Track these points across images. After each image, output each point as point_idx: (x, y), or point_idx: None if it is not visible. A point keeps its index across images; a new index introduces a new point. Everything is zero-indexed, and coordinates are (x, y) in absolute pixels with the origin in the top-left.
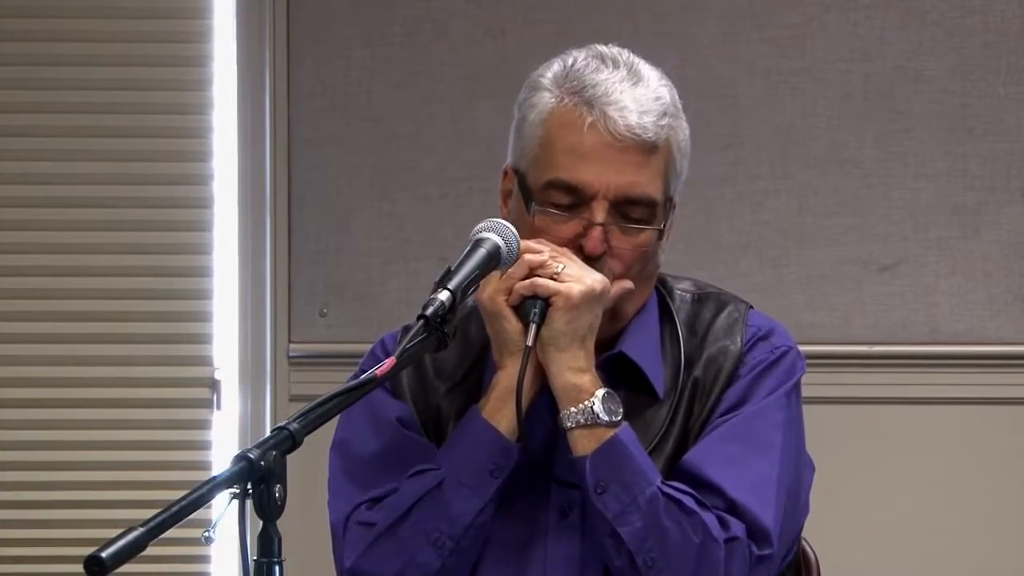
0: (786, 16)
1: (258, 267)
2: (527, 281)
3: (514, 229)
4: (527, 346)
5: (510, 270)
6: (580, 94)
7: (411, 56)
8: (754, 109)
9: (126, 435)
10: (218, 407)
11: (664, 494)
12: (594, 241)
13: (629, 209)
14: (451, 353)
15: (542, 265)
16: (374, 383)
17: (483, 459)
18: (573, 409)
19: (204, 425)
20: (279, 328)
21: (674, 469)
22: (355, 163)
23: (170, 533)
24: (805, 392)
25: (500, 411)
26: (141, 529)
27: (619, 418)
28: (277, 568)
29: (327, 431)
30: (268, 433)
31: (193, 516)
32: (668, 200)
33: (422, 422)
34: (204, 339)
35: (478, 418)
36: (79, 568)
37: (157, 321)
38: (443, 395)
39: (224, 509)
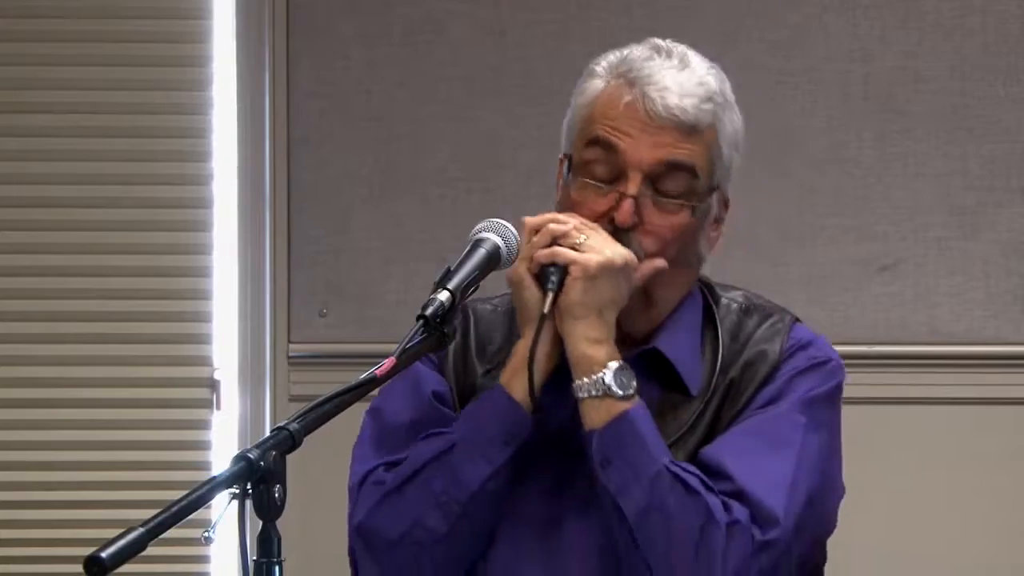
0: (786, 16)
1: (257, 267)
2: (547, 250)
3: (514, 229)
4: (543, 313)
5: (535, 239)
6: (626, 76)
7: (411, 56)
8: (753, 109)
9: (126, 435)
10: (218, 407)
11: (670, 472)
12: (624, 212)
13: (666, 182)
14: (495, 335)
15: (565, 235)
16: (374, 383)
17: (495, 426)
18: (585, 380)
19: (204, 425)
20: (279, 328)
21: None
22: (355, 163)
23: (170, 533)
24: None
25: (515, 379)
26: (141, 529)
27: (631, 392)
28: (277, 568)
29: (327, 431)
30: (268, 433)
31: (193, 516)
32: (712, 185)
33: (461, 400)
34: (204, 339)
35: (496, 386)
36: (79, 568)
37: (156, 321)
38: (480, 376)
39: (224, 509)
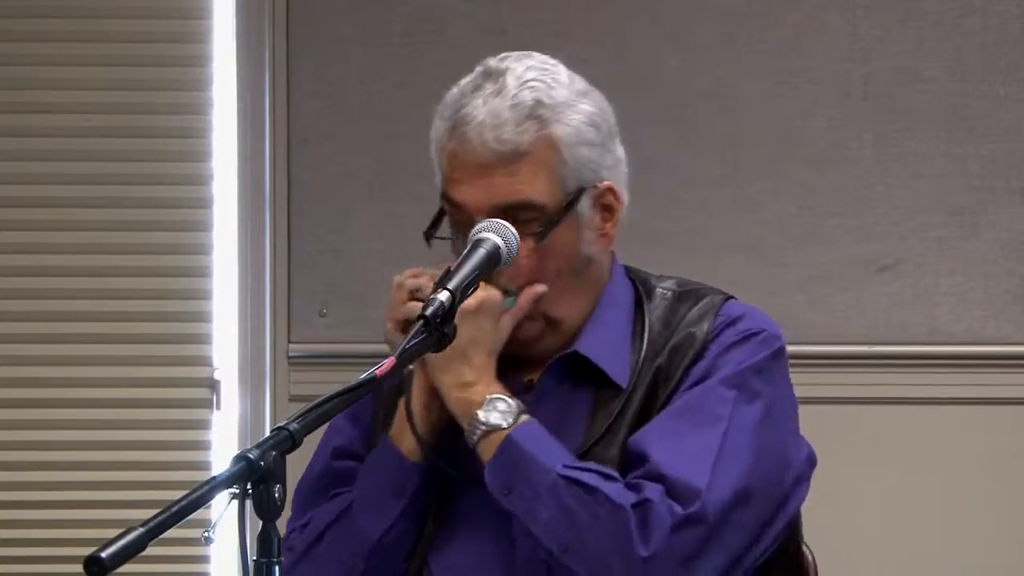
0: (786, 17)
1: (257, 267)
2: (405, 306)
3: (514, 229)
4: (407, 370)
5: (395, 295)
6: (451, 119)
7: (411, 56)
8: (754, 109)
9: (126, 435)
10: (218, 407)
11: (564, 477)
12: None
13: (513, 217)
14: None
15: (419, 288)
16: (374, 383)
17: (384, 480)
18: (467, 425)
19: (204, 425)
20: (279, 328)
21: None
22: (355, 163)
23: (170, 533)
24: (804, 392)
25: (402, 432)
26: (141, 529)
27: (512, 418)
28: (276, 568)
29: None
30: (268, 433)
31: (193, 516)
32: (568, 193)
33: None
34: (204, 339)
35: (383, 441)
36: (79, 568)
37: (156, 321)
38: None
39: (224, 509)
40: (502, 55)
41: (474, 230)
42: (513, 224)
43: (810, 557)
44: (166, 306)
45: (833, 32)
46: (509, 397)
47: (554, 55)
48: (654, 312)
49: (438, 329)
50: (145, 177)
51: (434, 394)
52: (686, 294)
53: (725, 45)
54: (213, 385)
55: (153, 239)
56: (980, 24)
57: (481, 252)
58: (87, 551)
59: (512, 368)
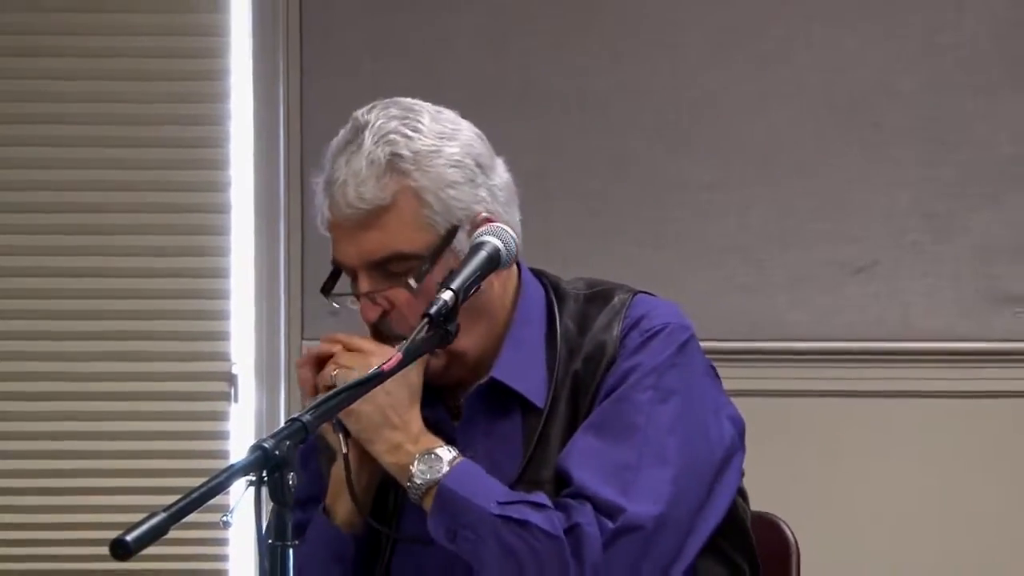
0: (771, 31)
1: (273, 269)
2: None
3: (512, 233)
4: (343, 454)
5: (311, 377)
6: (324, 182)
7: (416, 69)
8: (741, 119)
9: (151, 426)
10: (235, 400)
11: (499, 516)
12: (364, 312)
13: (390, 268)
14: None
15: (324, 376)
16: (381, 378)
17: (321, 548)
18: (407, 486)
19: (222, 417)
20: (292, 326)
21: None
22: None
23: (191, 517)
24: (785, 385)
25: (336, 502)
26: (164, 514)
27: (444, 469)
28: (290, 550)
29: None
30: (282, 425)
31: (212, 502)
32: (440, 237)
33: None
34: (222, 336)
35: (319, 510)
36: (105, 551)
37: (179, 319)
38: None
39: (241, 495)
40: (369, 106)
41: (475, 233)
42: (389, 276)
43: (792, 540)
44: (188, 305)
45: (816, 47)
46: (438, 447)
47: (551, 66)
48: (567, 314)
49: (442, 326)
50: (168, 184)
51: (366, 457)
52: (595, 295)
53: (715, 58)
54: (231, 379)
55: (175, 243)
56: (953, 42)
57: (482, 254)
58: (114, 534)
59: (442, 393)
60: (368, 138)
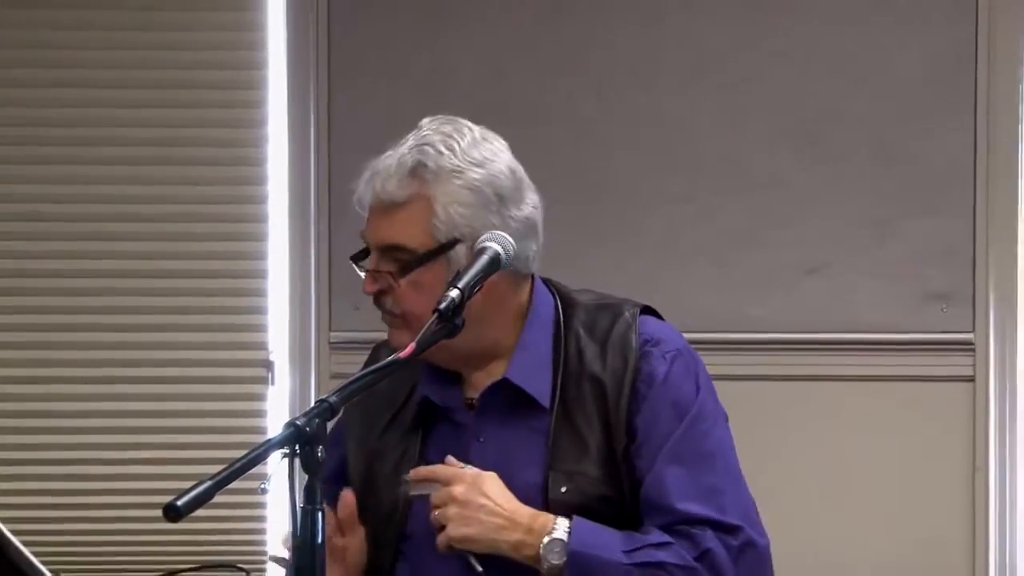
0: (736, 64)
1: (304, 268)
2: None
3: (510, 238)
4: (479, 572)
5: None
6: (373, 164)
7: (429, 91)
8: (710, 139)
9: (197, 406)
10: (272, 383)
11: (632, 565)
12: (365, 284)
13: (394, 255)
14: (379, 403)
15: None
16: (396, 365)
17: None
18: (546, 570)
19: (260, 398)
20: (321, 319)
21: (602, 469)
22: None
23: (233, 485)
24: (745, 371)
25: None
26: (209, 482)
27: (564, 536)
28: (320, 514)
29: None
30: (312, 404)
31: (251, 471)
32: (439, 243)
33: (365, 458)
34: (260, 328)
35: None
36: (159, 513)
37: (222, 313)
38: (378, 435)
39: (277, 466)
40: (433, 117)
41: (479, 239)
42: (389, 262)
43: None
44: (230, 301)
45: (776, 78)
46: (550, 526)
47: (547, 90)
48: (577, 319)
49: (450, 320)
50: (214, 197)
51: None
52: (605, 306)
53: (687, 86)
54: (268, 365)
55: (220, 248)
56: (893, 74)
57: (484, 259)
58: (166, 499)
59: (460, 384)
60: (411, 142)
